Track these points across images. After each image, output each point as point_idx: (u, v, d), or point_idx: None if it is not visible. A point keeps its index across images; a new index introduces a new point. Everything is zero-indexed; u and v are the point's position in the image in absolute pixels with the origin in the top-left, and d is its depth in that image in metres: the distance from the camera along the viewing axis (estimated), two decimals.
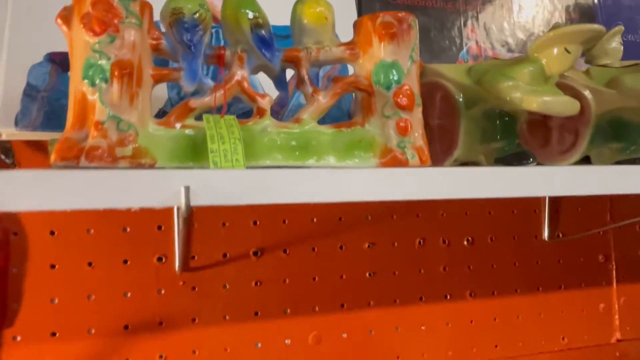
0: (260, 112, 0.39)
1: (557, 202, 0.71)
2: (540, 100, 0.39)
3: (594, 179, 0.40)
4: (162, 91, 0.49)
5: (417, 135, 0.40)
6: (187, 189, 0.31)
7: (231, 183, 0.32)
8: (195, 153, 0.36)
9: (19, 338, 0.52)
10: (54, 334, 0.53)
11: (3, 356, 0.52)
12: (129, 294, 0.55)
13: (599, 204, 0.73)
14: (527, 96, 0.39)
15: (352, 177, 0.35)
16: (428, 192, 0.37)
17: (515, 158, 0.42)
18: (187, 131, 0.37)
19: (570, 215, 0.72)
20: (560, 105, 0.39)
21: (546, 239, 0.70)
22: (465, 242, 0.67)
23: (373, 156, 0.39)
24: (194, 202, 0.31)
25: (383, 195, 0.35)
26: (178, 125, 0.36)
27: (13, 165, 0.52)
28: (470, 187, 0.38)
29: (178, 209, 0.54)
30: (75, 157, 0.33)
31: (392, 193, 0.36)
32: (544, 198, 0.69)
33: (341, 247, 0.63)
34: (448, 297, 0.66)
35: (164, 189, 0.31)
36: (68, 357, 0.53)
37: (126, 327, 0.55)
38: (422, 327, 0.65)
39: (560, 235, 0.70)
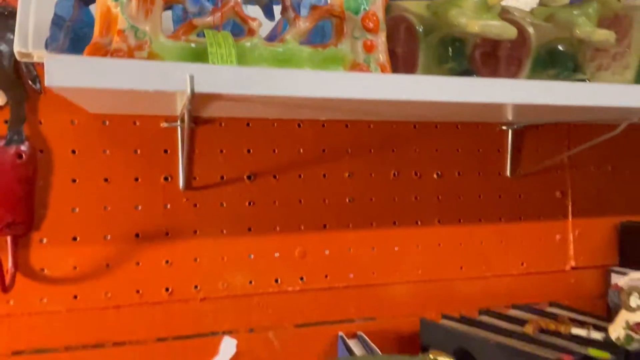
0: (251, 32, 0.47)
1: (519, 142, 0.79)
2: (482, 23, 0.47)
3: (523, 89, 0.48)
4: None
5: (381, 55, 0.49)
6: (192, 77, 0.39)
7: (227, 76, 0.41)
8: (197, 61, 0.45)
9: (44, 240, 0.61)
10: (75, 239, 0.62)
11: (31, 256, 0.60)
12: (139, 207, 0.64)
13: (557, 145, 0.82)
14: (471, 21, 0.47)
15: (327, 77, 0.43)
16: (391, 93, 0.45)
17: (464, 75, 0.50)
18: (191, 44, 0.45)
19: (531, 154, 0.80)
20: (498, 28, 0.47)
21: (508, 175, 0.78)
22: (435, 176, 0.76)
23: (343, 69, 0.48)
24: (198, 89, 0.40)
25: (352, 94, 0.44)
26: (183, 38, 0.45)
27: (41, 92, 0.60)
28: (427, 91, 0.46)
29: (182, 129, 0.63)
30: (103, 56, 0.41)
31: (359, 92, 0.44)
32: (507, 138, 0.78)
33: (324, 176, 0.71)
34: (419, 222, 0.75)
35: (173, 76, 0.39)
36: (87, 258, 0.62)
37: (137, 235, 0.64)
38: (395, 248, 0.74)
39: (521, 172, 0.79)
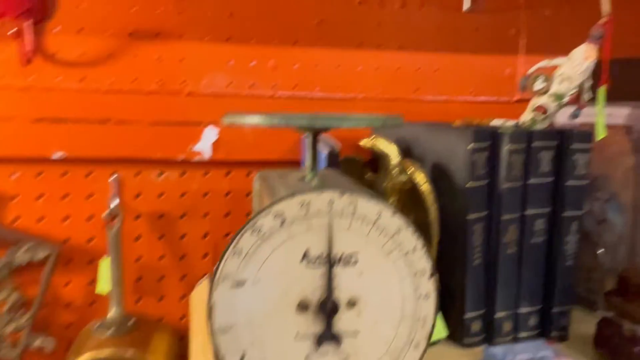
0: None
1: None
2: None
3: None
4: None
5: None
6: None
7: None
8: None
9: (57, 29, 0.73)
10: (81, 30, 0.74)
11: (46, 41, 0.73)
12: (134, 8, 0.75)
13: None
14: None
15: None
16: None
17: None
18: None
19: None
20: None
21: (466, 9, 0.87)
22: (398, 5, 0.85)
23: None
24: None
25: None
26: None
27: None
28: None
29: None
30: None
31: None
32: None
33: None
34: (381, 47, 0.85)
35: None
36: (92, 48, 0.75)
37: (131, 34, 0.76)
38: (358, 68, 0.85)
39: (479, 8, 0.87)
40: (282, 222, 0.43)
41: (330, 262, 0.44)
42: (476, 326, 0.66)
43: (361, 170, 0.76)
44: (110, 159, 0.78)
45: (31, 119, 0.73)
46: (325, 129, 0.52)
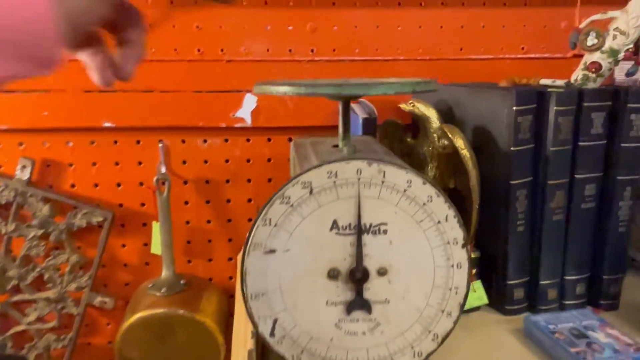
0: None
1: None
2: None
3: None
4: None
5: None
6: None
7: None
8: None
9: None
10: None
11: None
12: None
13: None
14: None
15: None
16: None
17: None
18: None
19: None
20: None
21: None
22: None
23: None
24: None
25: None
26: None
27: None
28: None
29: None
30: None
31: None
32: None
33: None
34: (422, 4, 0.81)
35: None
36: None
37: (171, 2, 0.76)
38: (398, 28, 0.81)
39: None
40: (311, 192, 0.44)
41: (359, 231, 0.44)
42: (519, 293, 0.65)
43: (401, 134, 0.74)
44: (157, 127, 0.81)
45: (82, 90, 0.77)
46: (355, 97, 0.51)
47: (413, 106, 0.68)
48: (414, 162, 0.71)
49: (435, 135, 0.67)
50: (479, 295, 0.66)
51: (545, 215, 0.63)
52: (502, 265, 0.64)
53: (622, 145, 0.62)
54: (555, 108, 0.60)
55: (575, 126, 0.61)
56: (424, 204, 0.45)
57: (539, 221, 0.63)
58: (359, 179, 0.44)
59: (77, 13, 0.28)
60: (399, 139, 0.74)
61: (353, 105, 0.79)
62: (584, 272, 0.65)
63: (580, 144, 0.62)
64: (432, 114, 0.67)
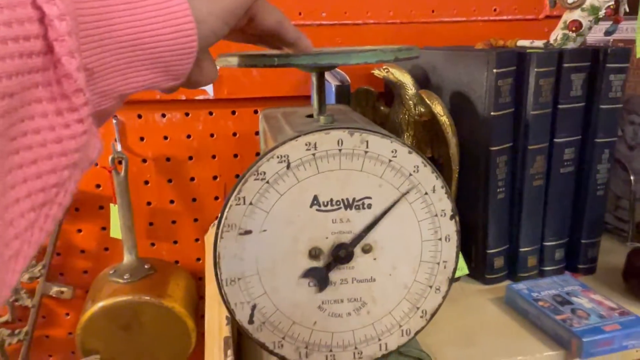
0: None
1: None
2: None
3: None
4: None
5: None
6: None
7: None
8: None
9: None
10: None
11: None
12: None
13: None
14: None
15: None
16: None
17: None
18: None
19: None
20: None
21: None
22: None
23: None
24: None
25: None
26: None
27: None
28: None
29: None
30: None
31: None
32: None
33: None
34: None
35: None
36: None
37: None
38: None
39: None
40: (288, 166, 0.40)
41: (341, 206, 0.41)
42: (499, 262, 0.63)
43: (375, 103, 0.71)
44: None
45: None
46: (331, 67, 0.47)
47: (387, 72, 0.64)
48: (389, 131, 0.68)
49: (411, 102, 0.64)
50: (459, 265, 0.64)
51: (526, 181, 0.61)
52: (482, 234, 0.62)
53: (601, 107, 0.61)
54: (535, 70, 0.58)
55: (555, 88, 0.59)
56: (410, 174, 0.41)
57: (519, 188, 0.61)
58: (340, 150, 0.40)
59: (227, 12, 0.31)
60: (373, 107, 0.70)
61: (329, 76, 0.75)
62: (563, 237, 0.64)
63: (560, 106, 0.60)
64: (407, 80, 0.64)
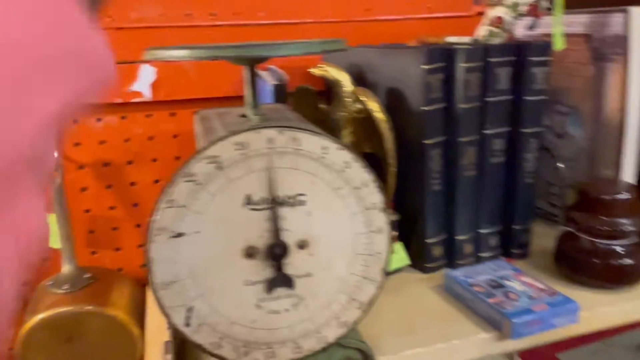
0: None
1: None
2: None
3: None
4: None
5: None
6: None
7: None
8: None
9: None
10: None
11: None
12: None
13: None
14: None
15: None
16: None
17: None
18: None
19: None
20: None
21: None
22: None
23: None
24: None
25: None
26: None
27: None
28: None
29: None
30: None
31: None
32: None
33: None
34: None
35: None
36: None
37: None
38: None
39: None
40: (218, 167, 0.40)
41: (274, 204, 0.41)
42: (437, 251, 0.66)
43: (315, 101, 0.72)
44: None
45: None
46: (261, 59, 0.47)
47: (324, 70, 0.65)
48: (329, 128, 0.69)
49: (348, 99, 0.65)
50: (400, 257, 0.66)
51: (459, 172, 0.63)
52: (421, 225, 0.64)
53: (527, 98, 0.64)
54: (463, 65, 0.60)
55: (482, 82, 0.62)
56: (342, 170, 0.42)
57: (453, 179, 0.64)
58: (271, 149, 0.41)
59: None
60: (313, 106, 0.71)
61: (262, 73, 0.75)
62: (497, 224, 0.67)
63: (488, 99, 0.63)
64: (343, 78, 0.65)
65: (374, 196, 0.43)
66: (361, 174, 0.43)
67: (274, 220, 0.42)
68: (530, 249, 0.69)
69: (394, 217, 0.66)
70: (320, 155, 0.42)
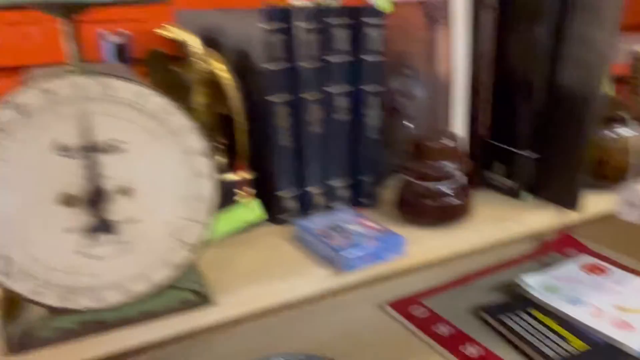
0: None
1: None
2: None
3: None
4: None
5: None
6: None
7: None
8: None
9: None
10: None
11: None
12: None
13: None
14: None
15: None
16: None
17: None
18: None
19: None
20: None
21: None
22: None
23: None
24: None
25: None
26: None
27: None
28: None
29: None
30: None
31: None
32: None
33: None
34: None
35: None
36: None
37: None
38: None
39: None
40: (25, 114, 0.40)
41: (89, 151, 0.42)
42: (290, 203, 0.69)
43: (167, 64, 0.72)
44: None
45: None
46: (75, 8, 0.46)
47: (169, 31, 0.66)
48: (181, 90, 0.70)
49: (197, 61, 0.66)
50: (257, 213, 0.69)
51: (305, 129, 0.67)
52: (272, 179, 0.68)
53: (364, 58, 0.69)
54: (301, 25, 0.63)
55: (322, 43, 0.66)
56: (158, 115, 0.44)
57: (300, 135, 0.68)
58: (81, 96, 0.41)
59: None
60: (165, 69, 0.72)
61: (107, 34, 0.74)
62: (345, 177, 0.72)
63: (328, 59, 0.67)
64: (191, 39, 0.66)
65: (195, 141, 0.46)
66: (179, 119, 0.45)
67: (90, 167, 0.42)
68: (381, 199, 0.75)
69: (251, 176, 0.69)
70: (135, 101, 0.43)
